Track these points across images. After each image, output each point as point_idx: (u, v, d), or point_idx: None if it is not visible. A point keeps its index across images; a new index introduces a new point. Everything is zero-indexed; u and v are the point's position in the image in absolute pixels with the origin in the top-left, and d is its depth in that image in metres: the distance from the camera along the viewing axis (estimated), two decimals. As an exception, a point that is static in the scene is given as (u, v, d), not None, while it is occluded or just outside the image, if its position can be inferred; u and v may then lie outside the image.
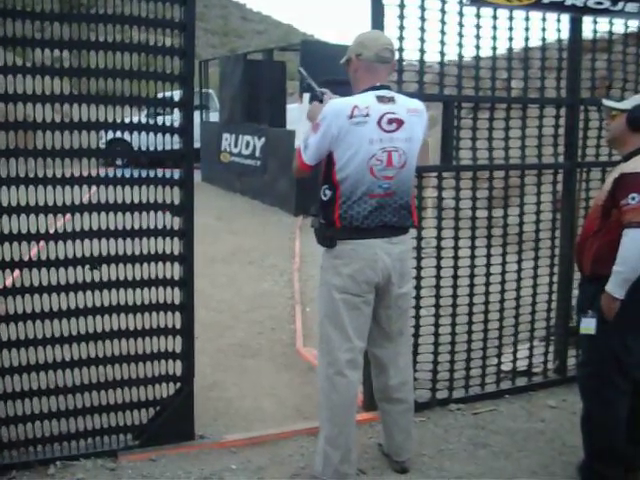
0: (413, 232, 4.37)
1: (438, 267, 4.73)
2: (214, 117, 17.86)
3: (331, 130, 3.49)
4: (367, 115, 3.50)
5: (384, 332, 3.81)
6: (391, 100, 3.59)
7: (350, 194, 3.55)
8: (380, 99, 3.56)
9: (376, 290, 3.67)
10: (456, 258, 4.78)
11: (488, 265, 4.88)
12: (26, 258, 3.78)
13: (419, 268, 4.65)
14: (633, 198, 3.40)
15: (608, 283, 3.45)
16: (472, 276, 4.84)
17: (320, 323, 3.76)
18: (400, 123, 3.57)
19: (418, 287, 4.65)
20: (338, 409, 3.67)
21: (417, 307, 4.66)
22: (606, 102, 3.92)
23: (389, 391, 3.89)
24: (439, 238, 4.71)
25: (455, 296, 4.79)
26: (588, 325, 3.60)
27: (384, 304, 3.73)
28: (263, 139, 14.02)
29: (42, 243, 3.81)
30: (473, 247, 4.83)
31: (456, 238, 4.76)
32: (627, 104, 3.73)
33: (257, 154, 14.24)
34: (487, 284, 4.89)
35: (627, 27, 5.14)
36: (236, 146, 15.20)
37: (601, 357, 3.62)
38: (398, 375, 3.87)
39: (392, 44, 3.73)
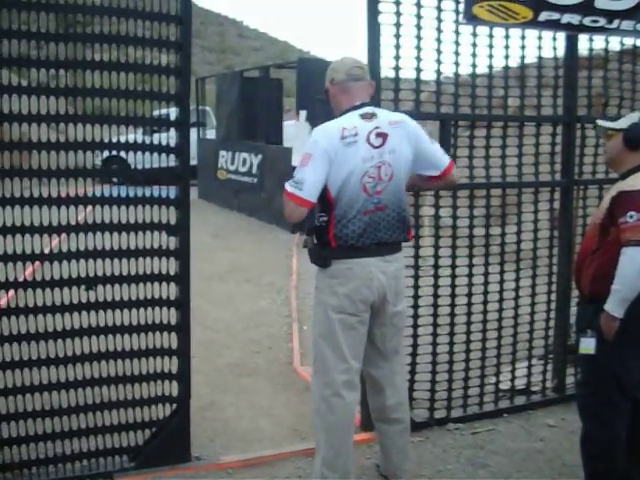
0: (408, 250, 4.37)
1: (435, 285, 4.71)
2: (211, 134, 17.88)
3: (328, 152, 3.48)
4: (356, 134, 3.52)
5: (379, 351, 3.78)
6: (373, 116, 3.61)
7: (345, 213, 3.54)
8: (363, 117, 3.59)
9: (371, 309, 3.65)
10: (454, 276, 4.76)
11: (486, 283, 4.87)
12: (21, 278, 3.76)
13: (417, 286, 4.63)
14: (631, 216, 3.35)
15: (607, 302, 3.39)
16: (470, 294, 4.82)
17: (315, 343, 3.73)
18: (385, 137, 3.58)
19: (416, 305, 4.63)
20: (335, 431, 3.64)
21: (415, 326, 4.64)
22: (601, 122, 3.86)
23: (386, 411, 3.86)
24: (436, 256, 4.70)
25: (453, 314, 4.77)
26: (587, 345, 3.53)
27: (379, 322, 3.71)
28: (260, 156, 14.03)
29: (37, 263, 3.79)
30: (471, 265, 4.81)
31: (453, 256, 4.75)
32: (622, 123, 3.68)
33: (254, 171, 14.25)
34: (485, 302, 4.87)
35: (623, 45, 5.16)
36: (233, 163, 15.22)
37: (600, 377, 3.56)
38: (395, 395, 3.85)
39: (362, 63, 3.77)
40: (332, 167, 3.50)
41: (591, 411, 3.66)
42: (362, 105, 3.64)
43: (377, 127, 3.58)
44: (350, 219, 3.54)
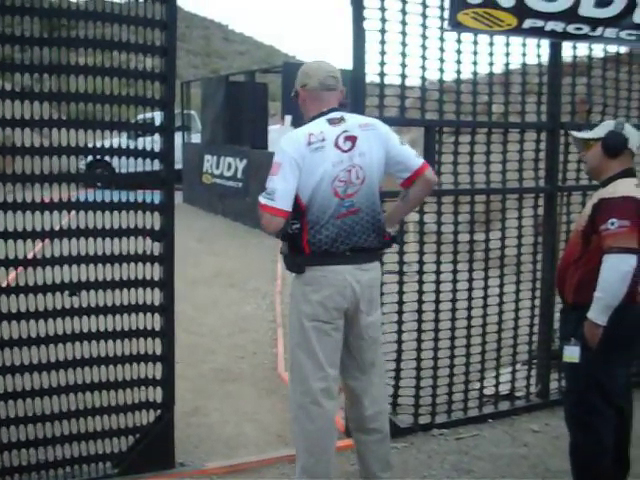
0: (393, 256, 4.38)
1: (420, 291, 4.72)
2: (196, 138, 17.85)
3: (296, 159, 3.46)
4: (323, 140, 3.50)
5: (356, 363, 3.73)
6: (341, 120, 3.59)
7: (317, 219, 3.52)
8: (331, 122, 3.58)
9: (345, 317, 3.62)
10: (438, 282, 4.77)
11: (470, 289, 4.88)
12: (4, 284, 3.73)
13: (401, 292, 4.64)
14: (612, 223, 3.38)
15: (590, 310, 3.41)
16: (454, 300, 4.84)
17: (291, 352, 3.71)
18: (354, 140, 3.56)
19: (400, 311, 4.64)
20: (314, 438, 3.60)
21: (399, 331, 4.65)
22: (576, 134, 3.89)
23: (365, 421, 3.80)
24: (421, 262, 4.70)
25: (437, 320, 4.78)
26: (572, 353, 3.55)
27: (354, 333, 3.66)
28: (245, 161, 14.02)
29: (20, 268, 3.76)
30: (455, 271, 4.82)
31: (438, 262, 4.76)
32: (600, 132, 3.70)
33: (239, 176, 14.23)
34: (469, 308, 4.88)
35: (606, 52, 5.19)
36: (218, 168, 15.19)
37: (585, 385, 3.57)
38: (374, 405, 3.80)
39: (336, 71, 3.72)
40: (301, 174, 3.48)
41: (577, 419, 3.68)
42: (330, 111, 3.63)
43: (345, 131, 3.56)
44: (323, 224, 3.52)
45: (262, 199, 3.48)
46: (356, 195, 3.57)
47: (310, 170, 3.48)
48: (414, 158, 3.70)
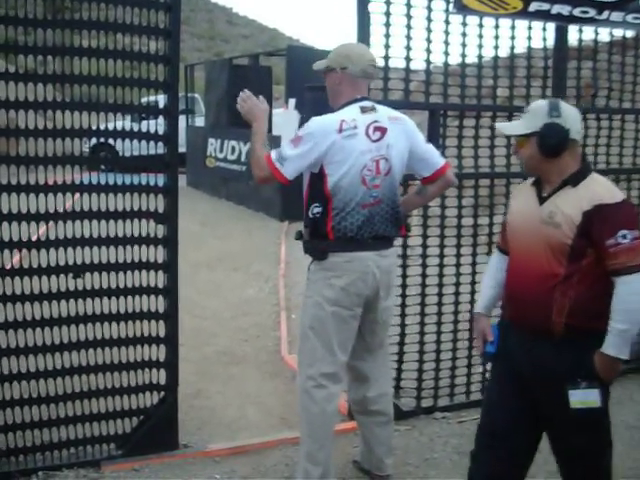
0: (397, 240, 4.38)
1: (423, 274, 4.73)
2: (200, 122, 17.82)
3: (319, 148, 3.46)
4: (355, 127, 3.49)
5: (366, 345, 3.77)
6: (373, 109, 3.60)
7: (344, 206, 3.52)
8: (363, 110, 3.57)
9: (364, 303, 3.64)
10: (441, 266, 4.77)
11: (474, 273, 4.88)
12: (8, 266, 3.74)
13: (404, 276, 4.64)
14: (624, 236, 2.76)
15: (608, 344, 2.77)
16: (458, 284, 4.84)
17: (303, 335, 3.70)
18: (384, 131, 3.57)
19: (403, 295, 4.65)
20: (318, 423, 3.62)
21: (402, 315, 4.66)
22: (504, 128, 3.19)
23: (367, 403, 3.83)
24: (424, 246, 4.71)
25: (440, 304, 4.78)
26: (587, 397, 2.84)
27: (370, 318, 3.70)
28: (249, 144, 13.93)
29: (24, 251, 3.77)
30: (458, 255, 4.82)
31: (442, 246, 4.76)
32: (531, 124, 2.93)
33: (243, 159, 14.20)
34: (473, 292, 4.88)
35: (612, 36, 5.17)
36: (222, 151, 15.17)
37: (607, 436, 2.99)
38: (377, 387, 3.83)
39: (376, 60, 3.75)
40: (329, 159, 3.48)
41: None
42: (362, 99, 3.62)
43: (376, 121, 3.56)
44: (349, 212, 3.52)
45: (273, 156, 3.52)
46: (381, 186, 3.58)
47: (340, 156, 3.48)
48: (437, 157, 3.77)
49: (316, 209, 3.57)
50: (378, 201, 3.59)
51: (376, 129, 3.55)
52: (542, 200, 2.94)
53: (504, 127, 3.21)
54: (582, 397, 2.83)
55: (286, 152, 3.51)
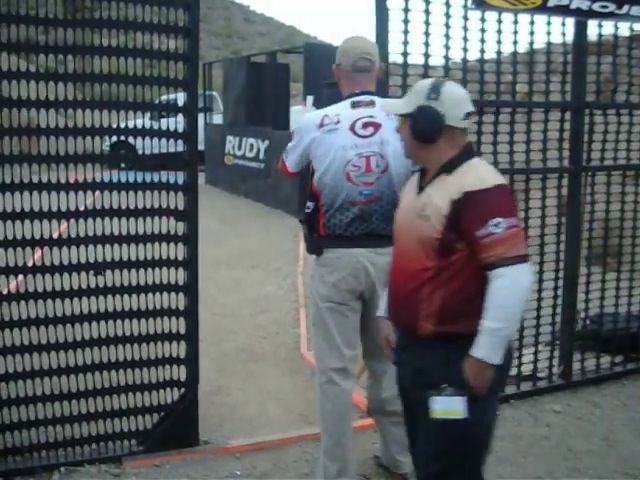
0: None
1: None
2: (218, 119, 17.87)
3: (303, 142, 3.58)
4: (338, 122, 3.50)
5: (375, 345, 3.71)
6: (370, 104, 3.53)
7: (331, 202, 3.53)
8: (355, 104, 3.54)
9: (363, 300, 3.63)
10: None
11: (493, 269, 4.85)
12: (30, 264, 3.78)
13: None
14: (497, 225, 2.45)
15: (477, 347, 2.47)
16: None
17: (312, 332, 3.78)
18: (377, 127, 3.52)
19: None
20: (332, 419, 3.63)
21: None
22: (385, 103, 3.01)
23: (383, 403, 3.82)
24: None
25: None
26: (450, 406, 2.52)
27: (372, 316, 3.57)
28: (267, 142, 14.01)
29: (46, 248, 3.81)
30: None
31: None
32: (409, 105, 2.69)
33: (261, 157, 14.24)
34: (492, 288, 4.86)
35: (632, 30, 5.13)
36: (240, 149, 15.20)
37: (476, 452, 2.68)
38: (392, 388, 3.77)
39: (372, 51, 3.61)
40: (313, 154, 3.56)
41: None
42: (361, 93, 3.57)
43: (370, 116, 3.51)
44: (337, 208, 3.52)
45: (285, 150, 3.70)
46: (376, 184, 3.54)
47: (321, 151, 3.51)
48: None
49: (309, 205, 3.62)
50: (374, 199, 3.53)
51: (367, 124, 3.51)
52: (420, 191, 2.70)
53: (387, 103, 3.01)
54: (445, 406, 2.53)
55: (288, 145, 3.67)
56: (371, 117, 3.52)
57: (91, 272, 3.88)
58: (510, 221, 2.47)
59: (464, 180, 2.54)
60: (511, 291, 2.43)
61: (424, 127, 2.62)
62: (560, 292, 5.10)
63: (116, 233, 3.89)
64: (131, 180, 3.93)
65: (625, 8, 4.70)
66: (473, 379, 2.49)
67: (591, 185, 5.13)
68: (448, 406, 2.51)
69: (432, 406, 2.54)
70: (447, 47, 4.51)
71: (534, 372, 5.10)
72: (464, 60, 4.62)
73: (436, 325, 2.56)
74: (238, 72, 15.34)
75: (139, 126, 3.99)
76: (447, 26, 4.47)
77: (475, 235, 2.47)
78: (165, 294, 4.07)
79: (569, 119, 4.98)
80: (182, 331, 4.12)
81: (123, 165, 4.17)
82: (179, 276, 4.08)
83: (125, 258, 3.94)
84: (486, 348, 2.45)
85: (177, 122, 4.02)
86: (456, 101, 2.63)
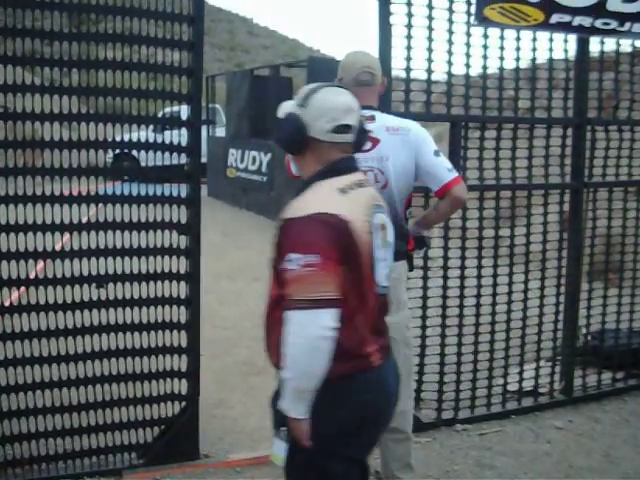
0: (417, 252, 4.37)
1: (444, 286, 4.72)
2: (220, 132, 17.91)
3: None
4: None
5: None
6: (370, 119, 3.45)
7: None
8: None
9: None
10: (462, 277, 4.76)
11: (495, 284, 4.87)
12: (32, 276, 3.78)
13: (425, 287, 4.64)
14: (290, 261, 2.19)
15: (282, 395, 2.27)
16: (478, 295, 4.82)
17: None
18: (375, 142, 3.47)
19: (424, 306, 4.64)
20: None
21: (423, 326, 4.65)
22: (282, 106, 2.65)
23: None
24: (446, 257, 4.70)
25: (461, 315, 4.77)
26: (275, 450, 2.35)
27: None
28: (269, 155, 14.04)
29: (48, 260, 3.81)
30: (480, 266, 4.81)
31: (463, 257, 4.75)
32: (284, 108, 2.58)
33: (263, 170, 14.26)
34: (494, 303, 4.87)
35: (634, 46, 5.15)
36: (242, 161, 15.24)
37: None
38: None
39: (373, 65, 3.59)
40: None
41: None
42: (362, 108, 3.55)
43: (370, 131, 3.45)
44: None
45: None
46: None
47: None
48: (445, 172, 3.53)
49: None
50: None
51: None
52: None
53: (283, 106, 2.64)
54: (274, 448, 2.35)
55: None
56: (370, 132, 3.51)
57: (93, 285, 3.89)
58: (308, 259, 2.16)
59: (294, 204, 2.34)
60: (295, 340, 2.16)
61: (284, 136, 2.44)
62: (562, 308, 5.10)
63: (118, 246, 3.90)
64: (134, 193, 3.94)
65: (627, 25, 4.71)
66: (290, 427, 2.29)
67: (593, 201, 5.15)
68: (275, 449, 2.34)
69: (272, 447, 2.38)
70: (450, 62, 4.52)
71: (535, 388, 5.09)
72: (466, 75, 4.64)
73: (276, 358, 2.31)
74: (241, 85, 15.41)
75: (142, 139, 3.99)
76: (450, 42, 4.49)
77: (279, 268, 2.27)
78: (167, 307, 4.08)
79: (571, 135, 4.99)
80: (183, 344, 4.12)
81: (126, 177, 4.14)
82: (181, 289, 4.08)
83: (127, 271, 3.94)
84: (284, 399, 2.25)
85: (180, 135, 4.03)
86: (323, 111, 2.39)
